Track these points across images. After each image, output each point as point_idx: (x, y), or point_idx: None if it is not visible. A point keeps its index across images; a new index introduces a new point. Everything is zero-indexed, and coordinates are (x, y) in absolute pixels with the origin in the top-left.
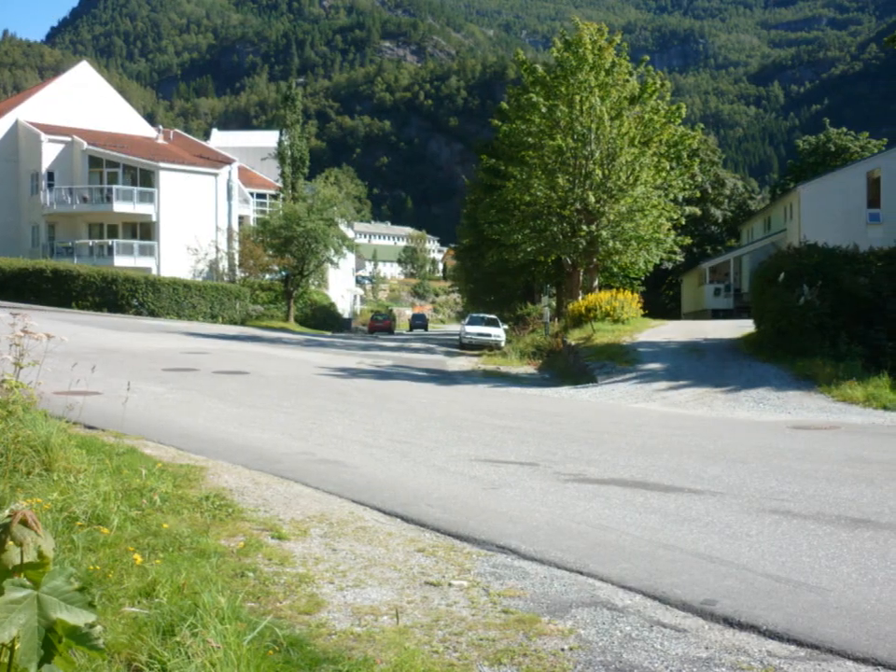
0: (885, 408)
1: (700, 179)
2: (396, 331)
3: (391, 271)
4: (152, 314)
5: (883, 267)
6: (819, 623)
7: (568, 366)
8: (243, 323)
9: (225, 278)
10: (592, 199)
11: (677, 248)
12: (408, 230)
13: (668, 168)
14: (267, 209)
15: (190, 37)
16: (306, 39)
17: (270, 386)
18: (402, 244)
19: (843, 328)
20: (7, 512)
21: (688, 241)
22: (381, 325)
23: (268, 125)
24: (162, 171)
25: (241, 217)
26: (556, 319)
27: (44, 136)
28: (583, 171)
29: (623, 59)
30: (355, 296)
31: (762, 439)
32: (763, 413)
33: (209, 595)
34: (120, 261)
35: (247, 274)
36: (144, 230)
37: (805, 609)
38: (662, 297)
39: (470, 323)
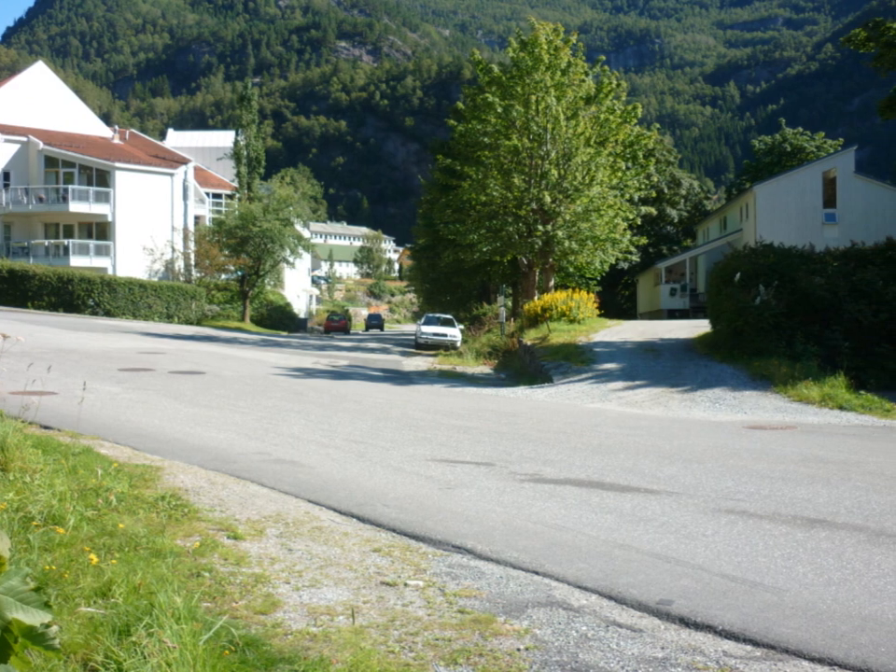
0: (841, 408)
1: (656, 179)
2: (352, 331)
3: (347, 271)
4: (108, 314)
5: (839, 267)
6: (775, 622)
7: (524, 366)
8: (199, 323)
9: (181, 278)
10: (548, 199)
11: (632, 248)
12: (364, 230)
13: (624, 168)
14: (223, 209)
15: (146, 37)
16: (262, 39)
17: (226, 386)
18: (358, 244)
19: (799, 328)
20: None
21: (644, 241)
22: (337, 325)
23: (224, 125)
24: (118, 171)
25: (197, 217)
26: (512, 319)
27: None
28: (539, 171)
29: (578, 59)
30: (310, 296)
31: (718, 439)
32: (719, 412)
33: (165, 595)
34: (76, 261)
35: (203, 274)
36: (100, 230)
37: (761, 609)
38: (618, 297)
39: (426, 323)
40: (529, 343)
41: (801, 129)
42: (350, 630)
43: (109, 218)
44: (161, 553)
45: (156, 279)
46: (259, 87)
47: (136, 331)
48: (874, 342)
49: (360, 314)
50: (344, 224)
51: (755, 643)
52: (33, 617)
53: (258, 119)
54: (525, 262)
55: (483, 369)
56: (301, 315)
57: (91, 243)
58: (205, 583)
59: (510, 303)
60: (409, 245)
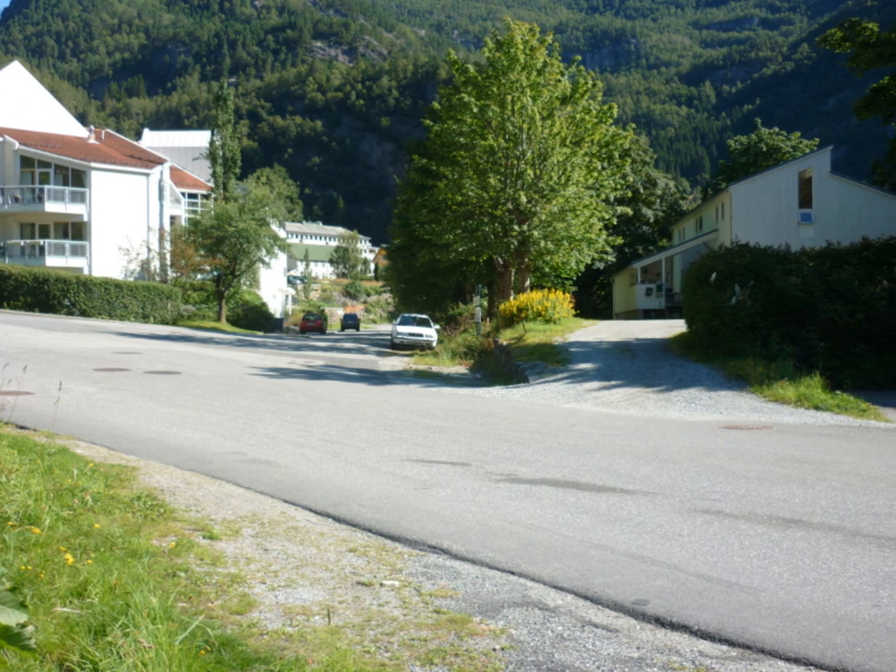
0: (816, 408)
1: (631, 179)
2: (328, 331)
3: (323, 271)
4: (84, 314)
5: (814, 267)
6: (751, 623)
7: (500, 366)
8: (174, 323)
9: (157, 278)
10: (523, 199)
11: (608, 248)
12: (339, 230)
13: (600, 168)
14: (199, 209)
15: (122, 37)
16: (238, 39)
17: (201, 386)
18: (334, 244)
19: (774, 328)
20: None
21: (619, 241)
22: (313, 325)
23: (200, 125)
24: (94, 171)
25: (173, 217)
26: (488, 319)
27: None
28: (515, 171)
29: (554, 59)
30: (286, 296)
31: (693, 439)
32: (694, 413)
33: (141, 594)
34: (52, 261)
35: (179, 274)
36: (75, 229)
37: (737, 609)
38: (594, 297)
39: (402, 323)
40: (505, 343)
41: (777, 129)
42: (326, 630)
43: (85, 218)
44: (137, 553)
45: (132, 279)
46: (235, 87)
47: (112, 331)
48: (849, 342)
49: (336, 314)
50: (320, 224)
51: (731, 643)
52: (8, 617)
53: (233, 119)
54: (501, 262)
55: (459, 369)
56: (277, 315)
57: (67, 243)
58: (181, 583)
59: (485, 303)
60: (385, 245)
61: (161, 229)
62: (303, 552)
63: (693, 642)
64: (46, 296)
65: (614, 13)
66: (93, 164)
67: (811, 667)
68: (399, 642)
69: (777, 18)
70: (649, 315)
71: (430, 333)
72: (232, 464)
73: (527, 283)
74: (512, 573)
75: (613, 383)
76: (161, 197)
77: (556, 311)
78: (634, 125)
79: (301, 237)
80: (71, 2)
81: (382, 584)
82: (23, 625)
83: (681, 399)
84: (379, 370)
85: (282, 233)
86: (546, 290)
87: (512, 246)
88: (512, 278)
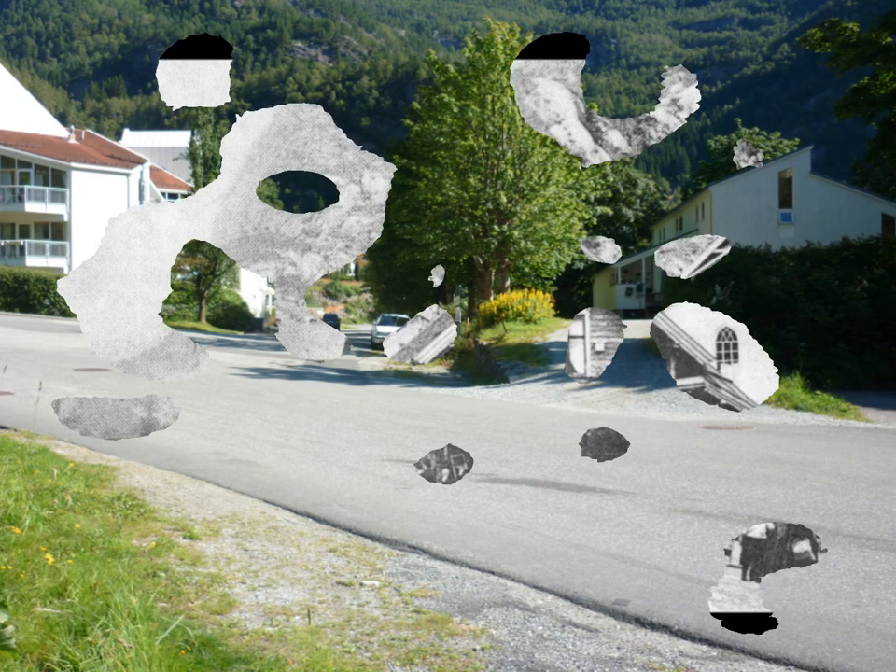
0: (796, 408)
1: (612, 179)
2: None
3: None
4: (64, 314)
5: (795, 267)
6: None
7: (480, 366)
8: None
9: None
10: (503, 199)
11: None
12: None
13: (580, 168)
14: None
15: (102, 37)
16: None
17: (181, 386)
18: None
19: (755, 328)
20: None
21: None
22: None
23: (180, 125)
24: (74, 171)
25: None
26: (468, 319)
27: None
28: (495, 171)
29: None
30: (267, 296)
31: (674, 439)
32: (675, 412)
33: (121, 594)
34: (32, 261)
35: None
36: (56, 230)
37: None
38: (574, 297)
39: (382, 323)
40: (485, 342)
41: (757, 129)
42: (306, 630)
43: (65, 218)
44: (117, 553)
45: None
46: None
47: None
48: (829, 342)
49: (316, 314)
50: None
51: (711, 643)
52: None
53: (213, 118)
54: (481, 262)
55: (439, 369)
56: (258, 315)
57: (47, 243)
58: (161, 583)
59: (466, 303)
60: None
61: None
62: (284, 552)
63: (673, 642)
64: (26, 296)
65: (594, 13)
66: (74, 164)
67: (791, 667)
68: (380, 642)
69: (757, 18)
70: (629, 315)
71: None
72: (213, 464)
73: (508, 283)
74: (493, 573)
75: (593, 383)
76: (141, 197)
77: (536, 311)
78: None
79: None
80: (51, 2)
81: (362, 584)
82: (4, 625)
83: (661, 398)
84: (359, 369)
85: None
86: (526, 290)
87: (493, 246)
88: (493, 278)
